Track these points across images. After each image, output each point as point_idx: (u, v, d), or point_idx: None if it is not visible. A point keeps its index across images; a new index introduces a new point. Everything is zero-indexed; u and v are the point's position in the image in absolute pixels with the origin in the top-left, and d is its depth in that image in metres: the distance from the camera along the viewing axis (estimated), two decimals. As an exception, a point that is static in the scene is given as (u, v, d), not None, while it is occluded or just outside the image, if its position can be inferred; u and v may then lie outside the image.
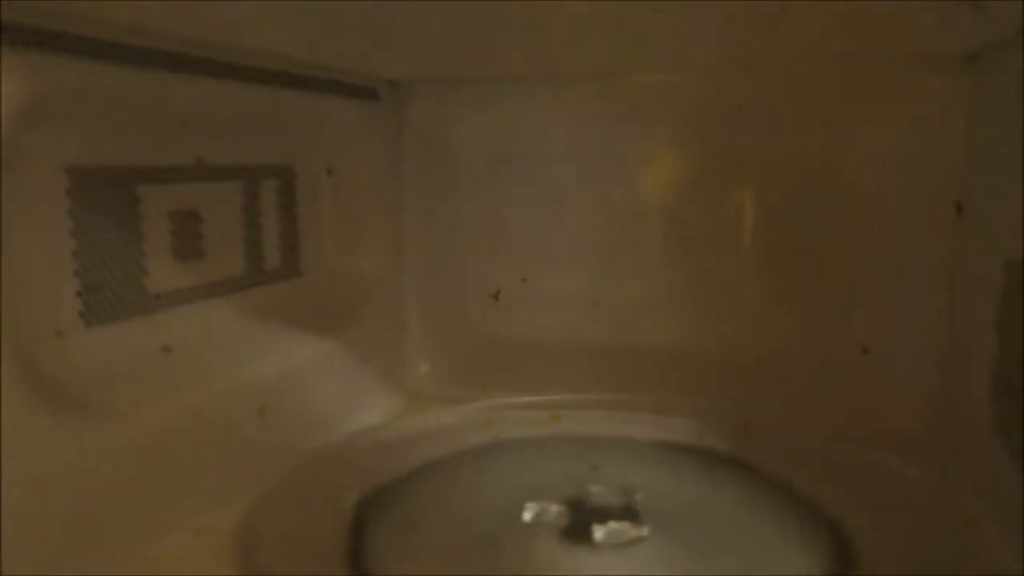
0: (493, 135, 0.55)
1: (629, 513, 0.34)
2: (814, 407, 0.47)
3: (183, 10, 0.29)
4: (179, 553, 0.32)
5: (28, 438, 0.27)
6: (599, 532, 0.33)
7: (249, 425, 0.38)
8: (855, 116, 0.50)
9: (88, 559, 0.29)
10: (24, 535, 0.26)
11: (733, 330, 0.52)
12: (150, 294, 0.36)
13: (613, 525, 0.33)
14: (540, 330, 0.54)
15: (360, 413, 0.46)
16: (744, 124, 0.51)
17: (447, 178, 0.54)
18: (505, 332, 0.54)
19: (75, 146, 0.32)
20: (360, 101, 0.49)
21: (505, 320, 0.54)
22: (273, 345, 0.42)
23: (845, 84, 0.48)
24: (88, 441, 0.30)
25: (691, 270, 0.54)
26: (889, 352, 0.48)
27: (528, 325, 0.54)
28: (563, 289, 0.54)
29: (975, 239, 0.43)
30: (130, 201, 0.35)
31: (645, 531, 0.33)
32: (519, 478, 0.39)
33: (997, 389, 0.38)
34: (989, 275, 0.39)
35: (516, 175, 0.55)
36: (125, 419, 0.32)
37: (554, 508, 0.35)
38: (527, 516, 0.34)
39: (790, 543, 0.33)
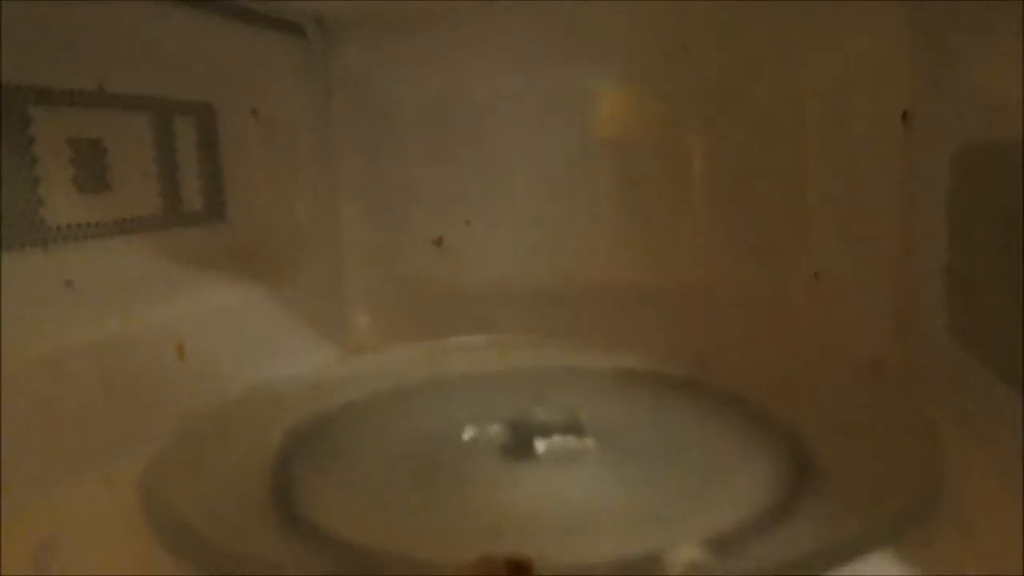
0: (429, 79, 0.53)
1: (574, 428, 0.32)
2: (769, 338, 0.46)
3: None
4: (86, 502, 0.30)
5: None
6: (541, 446, 0.31)
7: (166, 365, 0.35)
8: (804, 47, 0.48)
9: None
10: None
11: (684, 267, 0.51)
12: (48, 225, 0.33)
13: (556, 439, 0.31)
14: (486, 276, 0.51)
15: (294, 363, 0.44)
16: (691, 60, 0.50)
17: (384, 123, 0.52)
18: (450, 280, 0.52)
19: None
20: (286, 38, 0.46)
21: (449, 267, 0.52)
22: (194, 287, 0.39)
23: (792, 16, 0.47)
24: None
25: (640, 208, 0.52)
26: (842, 277, 0.47)
27: (474, 272, 0.52)
28: (509, 233, 0.52)
29: (923, 145, 0.42)
30: (20, 122, 0.32)
31: (590, 443, 0.31)
32: (461, 407, 0.36)
33: (951, 289, 0.36)
34: (938, 177, 0.38)
35: (456, 118, 0.53)
36: (22, 353, 0.29)
37: (495, 427, 0.33)
38: (466, 436, 0.32)
39: (745, 455, 0.32)
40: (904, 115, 0.42)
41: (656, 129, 0.52)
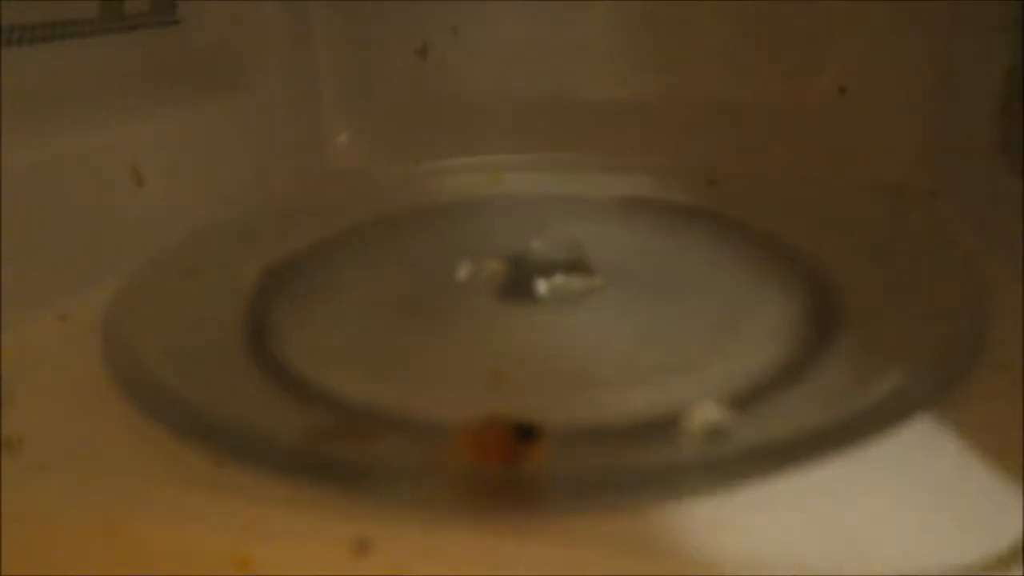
0: None
1: (577, 265, 0.29)
2: (789, 158, 0.42)
3: None
4: (40, 342, 0.27)
5: None
6: (542, 286, 0.28)
7: (121, 192, 0.32)
8: None
9: None
10: None
11: (694, 77, 0.46)
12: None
13: (559, 279, 0.28)
14: (475, 87, 0.46)
15: (265, 188, 0.40)
16: None
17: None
18: (435, 92, 0.47)
19: None
20: None
21: (435, 78, 0.46)
22: (148, 103, 0.35)
23: None
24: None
25: (646, 10, 0.46)
26: (871, 91, 0.42)
27: (461, 82, 0.46)
28: (500, 38, 0.46)
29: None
30: None
31: (595, 283, 0.28)
32: (453, 240, 0.33)
33: (1005, 103, 0.32)
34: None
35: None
36: None
37: (492, 265, 0.30)
38: (460, 275, 0.29)
39: (763, 293, 0.29)
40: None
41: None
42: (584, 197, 0.38)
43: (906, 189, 0.39)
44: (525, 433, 0.19)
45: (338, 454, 0.19)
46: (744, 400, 0.22)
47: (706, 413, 0.20)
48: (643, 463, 0.18)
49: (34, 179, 0.28)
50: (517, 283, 0.29)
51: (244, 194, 0.38)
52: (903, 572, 0.16)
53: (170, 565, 0.19)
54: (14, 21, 0.30)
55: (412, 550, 0.17)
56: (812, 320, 0.26)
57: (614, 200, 0.37)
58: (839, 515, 0.17)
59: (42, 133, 0.29)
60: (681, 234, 0.33)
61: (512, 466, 0.18)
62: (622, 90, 0.46)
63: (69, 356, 0.26)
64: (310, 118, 0.45)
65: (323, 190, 0.40)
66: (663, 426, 0.20)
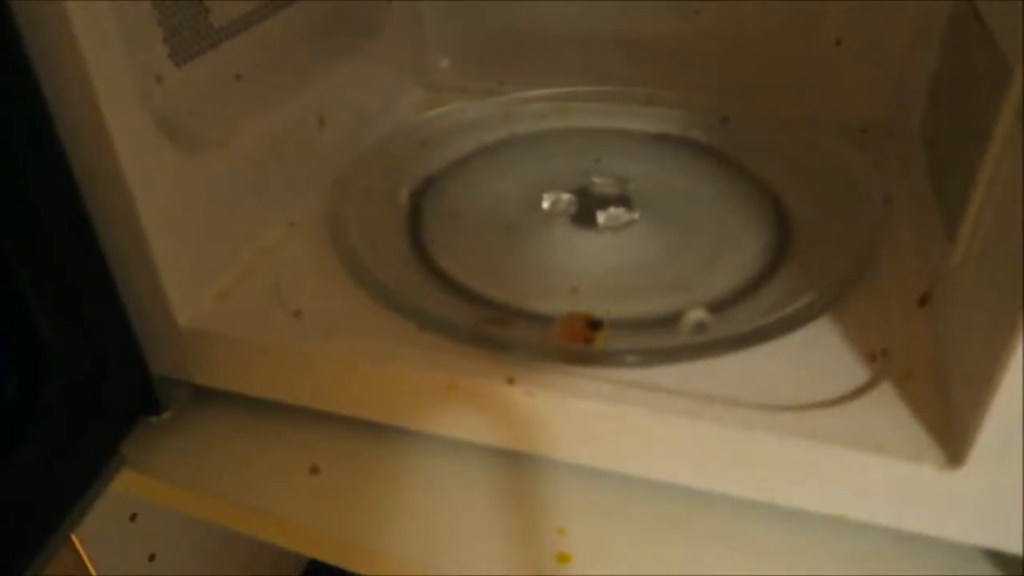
0: None
1: (624, 200, 0.44)
2: (790, 97, 0.54)
3: None
4: (281, 241, 0.43)
5: (164, 173, 0.35)
6: (601, 217, 0.43)
7: (313, 135, 0.46)
8: None
9: (215, 253, 0.39)
10: (166, 239, 0.35)
11: (715, 20, 0.57)
12: (214, 27, 0.41)
13: (611, 211, 0.43)
14: (547, 22, 0.58)
15: (395, 109, 0.54)
16: None
17: None
18: (515, 25, 0.58)
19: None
20: None
21: (515, 14, 0.58)
22: (319, 57, 0.48)
23: None
24: (198, 168, 0.38)
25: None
26: (860, 44, 0.53)
27: (536, 17, 0.58)
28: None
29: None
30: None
31: (636, 215, 0.43)
32: (534, 171, 0.48)
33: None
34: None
35: None
36: (221, 149, 0.40)
37: (565, 197, 0.45)
38: (544, 205, 0.44)
39: (749, 221, 0.43)
40: None
41: None
42: (628, 131, 0.51)
43: (881, 131, 0.51)
44: (594, 324, 0.35)
45: (492, 331, 0.35)
46: (720, 305, 0.37)
47: (697, 316, 0.36)
48: (656, 344, 0.34)
49: (261, 141, 0.42)
50: (583, 214, 0.43)
51: (381, 112, 0.52)
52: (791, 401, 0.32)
53: (397, 391, 0.35)
54: (233, 16, 0.43)
55: (539, 384, 0.33)
56: (773, 247, 0.41)
57: (650, 137, 0.51)
58: (758, 373, 0.33)
59: (262, 106, 0.43)
60: (695, 171, 0.47)
61: (587, 343, 0.34)
62: (660, 29, 0.57)
63: (305, 252, 0.42)
64: (419, 49, 0.57)
65: (433, 121, 0.53)
66: (670, 320, 0.36)
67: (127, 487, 0.37)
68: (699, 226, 0.43)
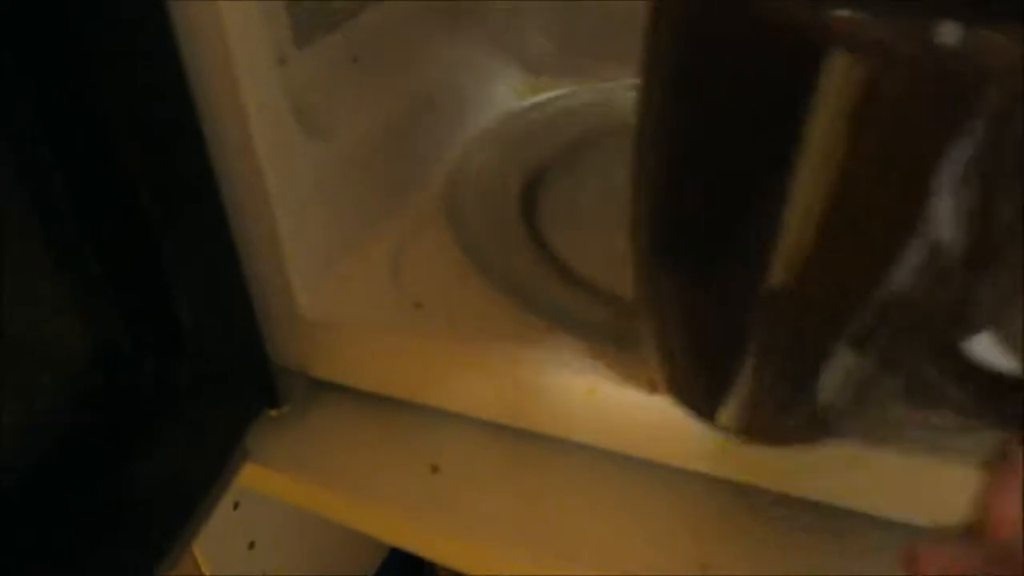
0: None
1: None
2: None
3: None
4: (398, 228, 0.41)
5: (293, 155, 0.34)
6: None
7: (424, 118, 0.44)
8: None
9: (344, 234, 0.38)
10: (294, 226, 0.34)
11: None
12: (333, 11, 0.40)
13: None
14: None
15: (496, 93, 0.52)
16: None
17: None
18: (617, 8, 0.56)
19: None
20: None
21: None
22: (426, 39, 0.46)
23: None
24: (321, 151, 0.37)
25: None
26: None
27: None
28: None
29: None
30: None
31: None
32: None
33: None
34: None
35: None
36: (341, 133, 0.38)
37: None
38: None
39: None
40: None
41: None
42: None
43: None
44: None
45: (632, 330, 0.33)
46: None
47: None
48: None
49: (382, 117, 0.41)
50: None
51: (487, 95, 0.51)
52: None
53: (529, 393, 0.34)
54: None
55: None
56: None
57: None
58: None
59: (380, 86, 0.42)
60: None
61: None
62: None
63: (423, 240, 0.40)
64: (519, 31, 0.55)
65: (541, 106, 0.51)
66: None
67: (248, 482, 0.36)
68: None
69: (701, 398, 0.28)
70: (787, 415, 0.25)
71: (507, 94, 0.53)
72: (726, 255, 0.22)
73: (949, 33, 0.16)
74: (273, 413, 0.37)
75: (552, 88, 0.53)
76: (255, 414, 0.36)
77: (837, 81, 0.17)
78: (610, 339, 0.33)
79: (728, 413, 0.26)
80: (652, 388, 0.32)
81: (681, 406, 0.28)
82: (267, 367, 0.36)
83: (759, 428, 0.27)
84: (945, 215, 0.18)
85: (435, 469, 0.36)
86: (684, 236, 0.24)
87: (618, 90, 0.52)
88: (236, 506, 0.48)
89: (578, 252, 0.40)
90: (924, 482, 0.28)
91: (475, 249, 0.38)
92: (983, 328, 0.21)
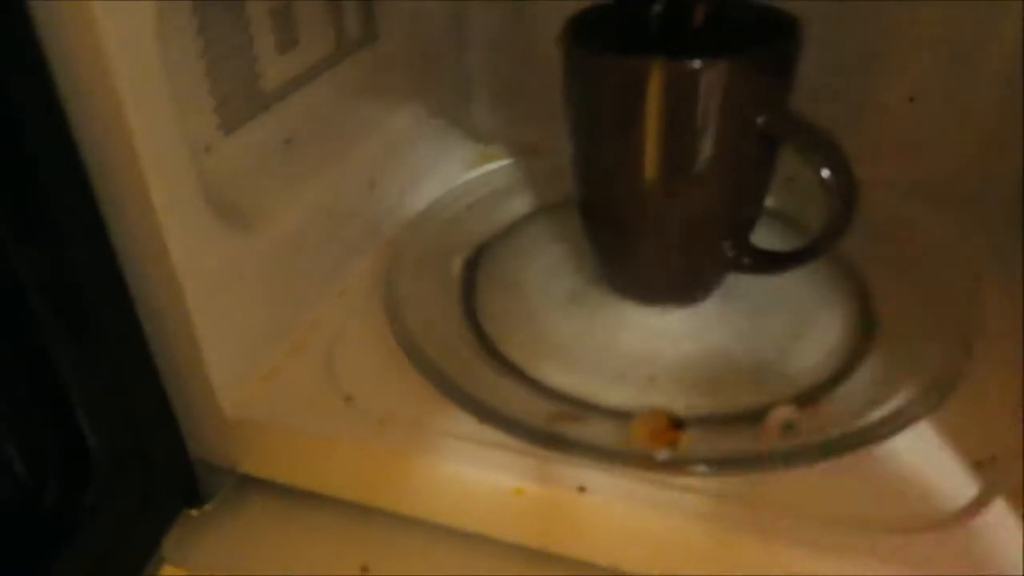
0: None
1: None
2: (864, 153, 0.50)
3: None
4: (332, 314, 0.40)
5: (211, 251, 0.33)
6: (673, 300, 0.41)
7: (363, 199, 0.44)
8: None
9: (263, 333, 0.37)
10: (213, 324, 0.33)
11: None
12: (264, 93, 0.39)
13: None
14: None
15: (444, 167, 0.51)
16: None
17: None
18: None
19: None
20: None
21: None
22: (367, 117, 0.46)
23: None
24: (246, 243, 0.35)
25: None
26: (935, 100, 0.50)
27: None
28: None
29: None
30: (240, 10, 0.36)
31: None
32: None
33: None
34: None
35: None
36: (270, 221, 0.37)
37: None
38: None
39: (825, 297, 0.40)
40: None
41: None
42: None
43: (958, 194, 0.48)
44: (677, 423, 0.32)
45: (563, 431, 0.32)
46: (806, 399, 0.34)
47: (783, 413, 0.33)
48: (744, 450, 0.31)
49: (316, 200, 0.40)
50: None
51: (430, 171, 0.50)
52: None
53: (457, 492, 0.32)
54: (284, 78, 0.40)
55: (614, 493, 0.30)
56: (856, 328, 0.38)
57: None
58: (853, 484, 0.30)
59: (316, 167, 0.41)
60: (762, 237, 0.44)
61: (671, 447, 0.31)
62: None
63: (357, 326, 0.39)
64: (465, 101, 0.55)
65: (484, 180, 0.51)
66: (755, 417, 0.33)
67: (164, 587, 0.34)
68: (773, 300, 0.40)
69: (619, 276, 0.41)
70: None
71: (457, 165, 0.53)
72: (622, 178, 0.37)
73: (674, 65, 0.32)
74: (194, 512, 0.35)
75: (502, 158, 0.53)
76: (173, 515, 0.34)
77: (651, 86, 0.33)
78: (540, 439, 0.32)
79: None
80: (580, 489, 0.30)
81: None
82: (187, 465, 0.35)
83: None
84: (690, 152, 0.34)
85: (365, 569, 0.34)
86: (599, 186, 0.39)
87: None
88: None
89: (515, 336, 0.39)
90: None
91: (409, 341, 0.37)
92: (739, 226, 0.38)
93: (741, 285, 0.41)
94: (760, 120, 0.34)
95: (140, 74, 0.27)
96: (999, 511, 0.29)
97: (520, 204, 0.48)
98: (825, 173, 0.33)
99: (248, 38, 0.37)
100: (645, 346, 0.38)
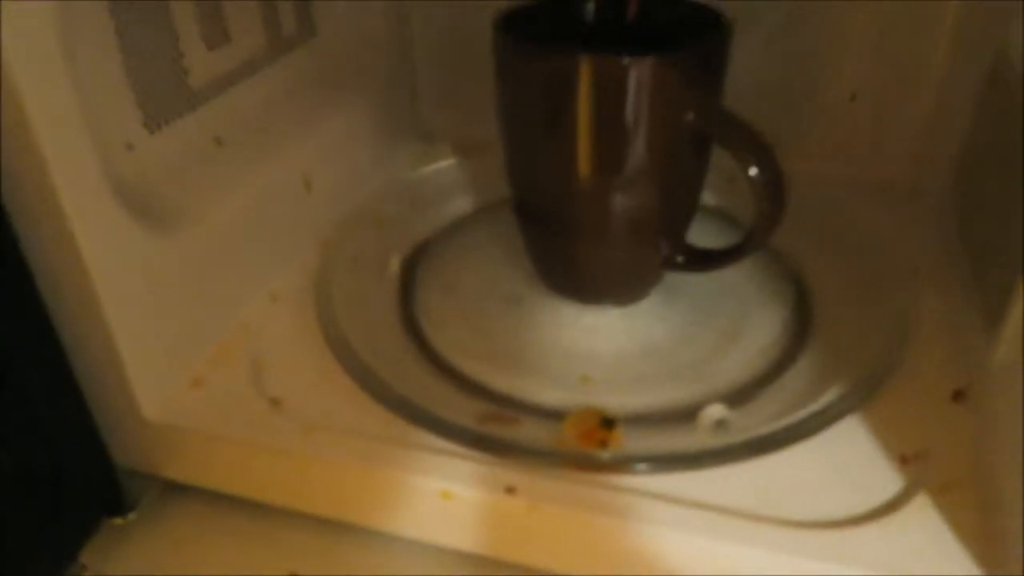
0: None
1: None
2: (805, 151, 0.51)
3: None
4: (261, 316, 0.39)
5: (131, 255, 0.32)
6: (609, 294, 0.40)
7: (299, 199, 0.43)
8: None
9: (188, 337, 0.36)
10: (132, 328, 0.32)
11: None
12: (192, 90, 0.38)
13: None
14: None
15: (388, 165, 0.51)
16: None
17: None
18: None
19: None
20: None
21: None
22: (305, 115, 0.45)
23: None
24: (171, 245, 0.34)
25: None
26: (876, 99, 0.51)
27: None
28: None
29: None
30: (163, 9, 0.36)
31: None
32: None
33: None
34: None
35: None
36: (197, 222, 0.36)
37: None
38: (546, 279, 0.42)
39: (764, 293, 0.40)
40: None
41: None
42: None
43: (898, 189, 0.48)
44: (608, 422, 0.32)
45: (492, 434, 0.32)
46: (739, 397, 0.34)
47: (715, 411, 0.33)
48: (674, 449, 0.31)
49: (248, 201, 0.39)
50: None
51: (372, 170, 0.49)
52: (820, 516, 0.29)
53: (384, 496, 0.32)
54: (215, 75, 0.39)
55: (543, 495, 0.30)
56: (793, 326, 0.38)
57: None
58: (781, 481, 0.30)
59: (246, 166, 0.40)
60: (702, 235, 0.44)
61: (601, 446, 0.31)
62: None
63: (287, 329, 0.38)
64: (411, 99, 0.54)
65: (427, 178, 0.50)
66: (687, 415, 0.33)
67: (86, 600, 0.33)
68: (712, 299, 0.40)
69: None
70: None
71: (402, 165, 0.52)
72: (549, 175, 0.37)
73: (601, 60, 0.32)
74: (118, 521, 0.34)
75: (448, 157, 0.52)
76: (92, 525, 0.33)
77: (579, 82, 0.33)
78: (470, 441, 0.31)
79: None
80: (508, 490, 0.30)
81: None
82: (109, 473, 0.34)
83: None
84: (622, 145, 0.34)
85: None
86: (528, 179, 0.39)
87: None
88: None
89: (451, 337, 0.38)
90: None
91: (340, 343, 0.36)
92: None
93: (684, 284, 0.41)
94: (690, 117, 0.33)
95: (40, 72, 0.26)
96: (921, 506, 0.29)
97: (463, 203, 0.48)
98: (753, 171, 0.32)
99: (173, 35, 0.36)
100: (581, 345, 0.38)
